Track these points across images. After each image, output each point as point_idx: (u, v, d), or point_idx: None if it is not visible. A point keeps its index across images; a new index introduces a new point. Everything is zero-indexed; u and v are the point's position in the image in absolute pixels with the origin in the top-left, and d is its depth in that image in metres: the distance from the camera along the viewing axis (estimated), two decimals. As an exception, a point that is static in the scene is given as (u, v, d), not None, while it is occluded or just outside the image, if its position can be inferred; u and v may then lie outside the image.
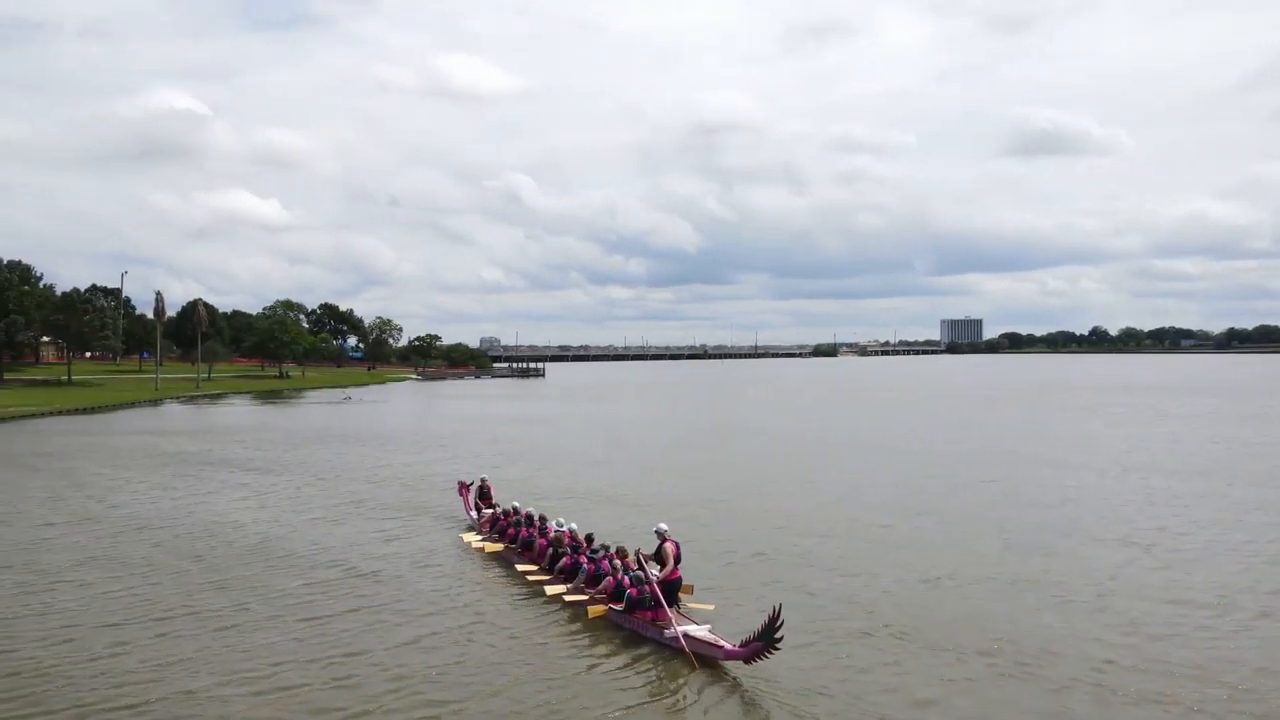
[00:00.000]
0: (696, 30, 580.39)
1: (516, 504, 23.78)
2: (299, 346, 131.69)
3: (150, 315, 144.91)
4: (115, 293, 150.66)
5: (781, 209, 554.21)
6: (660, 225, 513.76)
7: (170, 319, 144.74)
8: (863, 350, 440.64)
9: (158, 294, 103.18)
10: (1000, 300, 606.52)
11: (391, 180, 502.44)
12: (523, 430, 56.49)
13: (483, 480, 27.35)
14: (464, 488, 27.53)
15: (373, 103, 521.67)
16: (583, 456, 42.25)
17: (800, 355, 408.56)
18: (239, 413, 75.65)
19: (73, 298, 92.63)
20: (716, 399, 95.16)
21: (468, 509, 26.52)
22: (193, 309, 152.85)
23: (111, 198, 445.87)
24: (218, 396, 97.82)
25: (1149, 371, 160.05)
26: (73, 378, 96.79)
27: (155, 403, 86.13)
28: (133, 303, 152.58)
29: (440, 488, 31.61)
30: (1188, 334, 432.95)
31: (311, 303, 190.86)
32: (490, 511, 24.92)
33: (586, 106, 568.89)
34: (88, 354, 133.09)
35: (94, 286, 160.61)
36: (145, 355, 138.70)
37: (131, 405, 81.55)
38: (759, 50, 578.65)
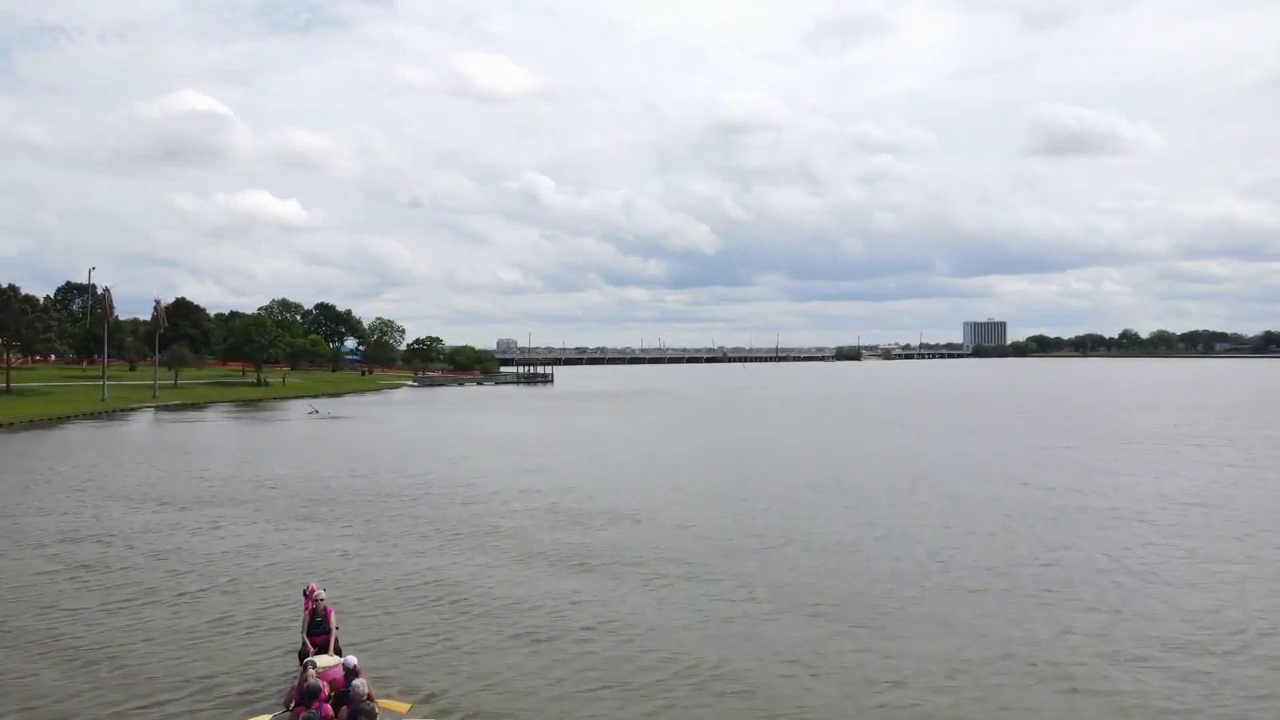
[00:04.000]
0: (722, 29, 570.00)
1: (353, 662, 12.53)
2: (278, 350, 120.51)
3: (147, 317, 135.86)
4: (90, 290, 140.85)
5: (800, 209, 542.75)
6: (678, 226, 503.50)
7: (148, 320, 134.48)
8: (886, 353, 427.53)
9: (105, 290, 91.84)
10: (1022, 302, 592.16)
11: (411, 181, 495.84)
12: (487, 464, 44.69)
13: (310, 589, 15.91)
14: (309, 598, 15.90)
15: (393, 104, 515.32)
16: (543, 518, 30.26)
17: (822, 358, 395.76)
18: (172, 435, 64.40)
19: (8, 295, 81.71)
20: (749, 415, 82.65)
21: (303, 631, 15.33)
22: (176, 309, 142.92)
23: (133, 199, 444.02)
24: (175, 408, 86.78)
25: (1230, 377, 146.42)
26: (12, 385, 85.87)
27: (95, 415, 75.36)
28: (113, 301, 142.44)
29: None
30: (1221, 337, 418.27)
31: (335, 305, 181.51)
32: (308, 663, 13.47)
33: (607, 106, 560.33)
34: (51, 357, 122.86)
35: (68, 284, 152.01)
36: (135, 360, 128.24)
37: (48, 423, 70.52)
38: (784, 49, 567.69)
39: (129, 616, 18.32)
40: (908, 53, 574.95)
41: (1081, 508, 29.49)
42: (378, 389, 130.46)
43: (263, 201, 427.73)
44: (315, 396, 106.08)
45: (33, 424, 67.03)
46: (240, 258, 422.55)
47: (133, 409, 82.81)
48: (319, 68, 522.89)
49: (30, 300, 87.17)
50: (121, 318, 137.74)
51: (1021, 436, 53.89)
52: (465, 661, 15.56)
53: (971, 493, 32.57)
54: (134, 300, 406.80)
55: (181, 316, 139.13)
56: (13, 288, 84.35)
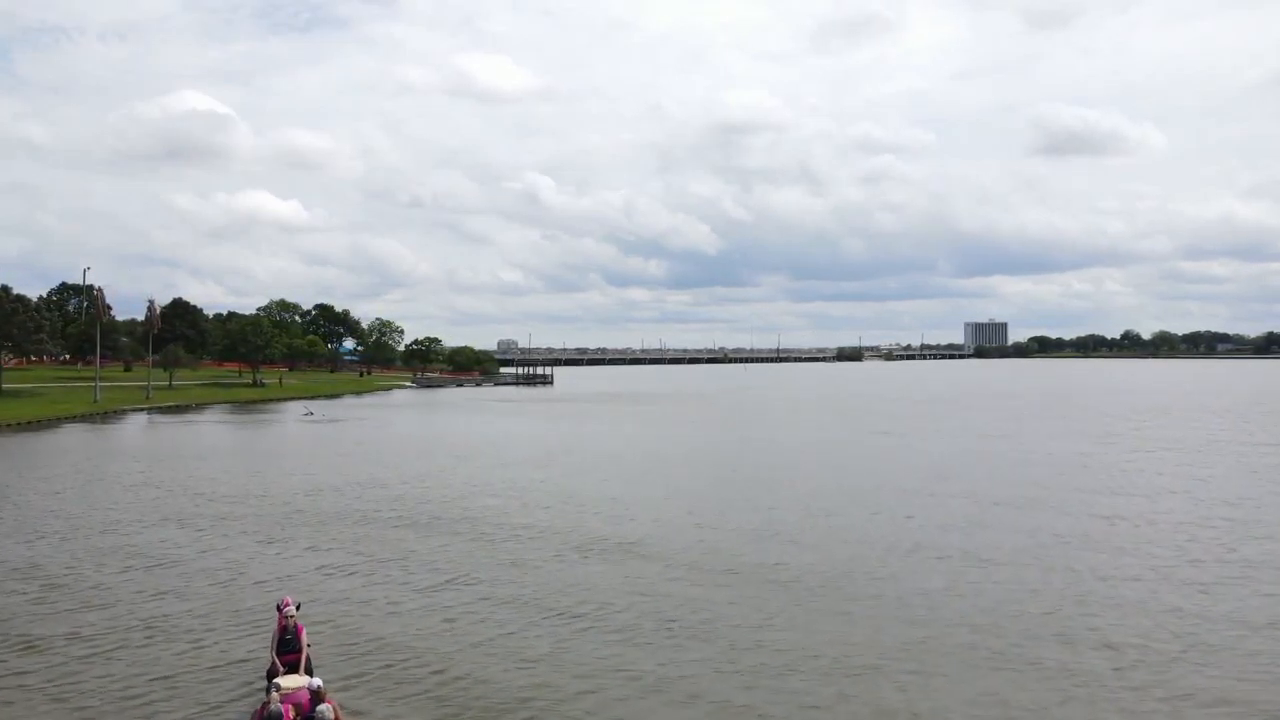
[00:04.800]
0: (723, 29, 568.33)
1: (318, 684, 12.13)
2: (275, 350, 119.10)
3: (138, 318, 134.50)
4: (86, 290, 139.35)
5: (801, 210, 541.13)
6: (679, 226, 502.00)
7: (139, 320, 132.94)
8: (887, 354, 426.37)
9: (99, 290, 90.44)
10: (1023, 303, 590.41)
11: (412, 181, 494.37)
12: (484, 475, 43.30)
13: (281, 604, 14.78)
14: (281, 613, 14.67)
15: (393, 104, 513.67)
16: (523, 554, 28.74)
17: (823, 359, 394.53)
18: (162, 439, 62.95)
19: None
20: (755, 420, 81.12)
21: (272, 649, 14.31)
22: (173, 310, 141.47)
23: (133, 199, 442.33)
24: (168, 410, 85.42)
25: (1234, 378, 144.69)
26: (4, 386, 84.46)
27: (86, 417, 74.02)
28: (108, 302, 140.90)
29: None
30: (1223, 338, 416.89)
31: (335, 305, 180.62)
32: (272, 685, 12.69)
33: (607, 106, 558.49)
34: (44, 359, 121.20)
35: (63, 284, 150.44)
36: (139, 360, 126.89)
37: (38, 425, 69.17)
38: (785, 49, 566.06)
39: (93, 646, 16.94)
40: (908, 53, 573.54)
41: (1130, 521, 27.99)
42: (376, 390, 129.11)
43: (263, 201, 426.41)
44: (312, 398, 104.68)
45: (22, 426, 65.71)
46: (240, 258, 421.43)
47: (125, 411, 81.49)
48: (319, 68, 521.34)
49: (22, 300, 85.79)
50: (120, 318, 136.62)
51: (1038, 439, 52.41)
52: (454, 698, 14.19)
53: (1000, 502, 31.13)
54: (134, 300, 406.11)
55: (178, 317, 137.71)
56: (4, 288, 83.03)
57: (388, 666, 15.66)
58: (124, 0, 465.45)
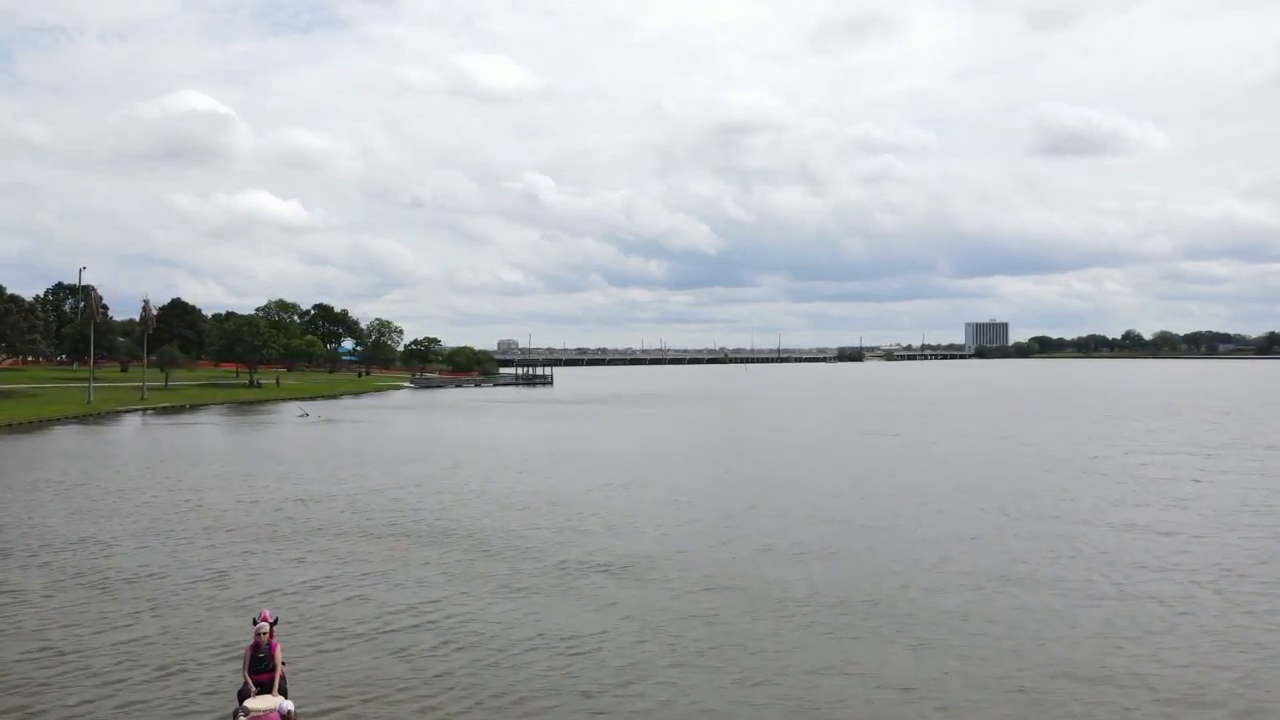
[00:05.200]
0: (723, 29, 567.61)
1: (288, 708, 11.69)
2: (272, 350, 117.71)
3: (137, 318, 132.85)
4: (83, 290, 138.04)
5: (801, 210, 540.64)
6: (679, 226, 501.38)
7: (137, 320, 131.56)
8: (888, 354, 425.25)
9: (93, 290, 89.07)
10: (1024, 303, 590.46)
11: (412, 181, 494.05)
12: (482, 483, 41.83)
13: (258, 618, 13.37)
14: (256, 629, 13.37)
15: (393, 104, 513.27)
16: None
17: (824, 359, 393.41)
18: (154, 440, 61.57)
19: (-9, 295, 79.12)
20: (761, 424, 79.62)
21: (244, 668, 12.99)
22: (172, 310, 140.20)
23: (133, 199, 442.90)
24: (162, 411, 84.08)
25: (1239, 379, 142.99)
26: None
27: (79, 419, 72.65)
28: (105, 302, 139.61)
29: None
30: (1225, 338, 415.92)
31: (334, 305, 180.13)
32: (239, 710, 11.96)
33: (608, 106, 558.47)
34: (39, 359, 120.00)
35: (59, 284, 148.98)
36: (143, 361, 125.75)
37: (29, 426, 67.82)
38: (785, 49, 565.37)
39: (55, 671, 15.52)
40: (908, 53, 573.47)
41: (1165, 532, 26.39)
42: (374, 391, 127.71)
43: (263, 201, 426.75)
44: (309, 399, 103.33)
45: (12, 428, 64.34)
46: (241, 258, 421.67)
47: (119, 412, 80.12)
48: (319, 68, 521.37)
49: (15, 300, 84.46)
50: (119, 319, 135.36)
51: (1050, 442, 50.89)
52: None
53: (1025, 512, 29.67)
54: (134, 301, 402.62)
55: (176, 317, 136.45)
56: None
57: (368, 700, 14.22)
58: (124, 0, 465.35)
